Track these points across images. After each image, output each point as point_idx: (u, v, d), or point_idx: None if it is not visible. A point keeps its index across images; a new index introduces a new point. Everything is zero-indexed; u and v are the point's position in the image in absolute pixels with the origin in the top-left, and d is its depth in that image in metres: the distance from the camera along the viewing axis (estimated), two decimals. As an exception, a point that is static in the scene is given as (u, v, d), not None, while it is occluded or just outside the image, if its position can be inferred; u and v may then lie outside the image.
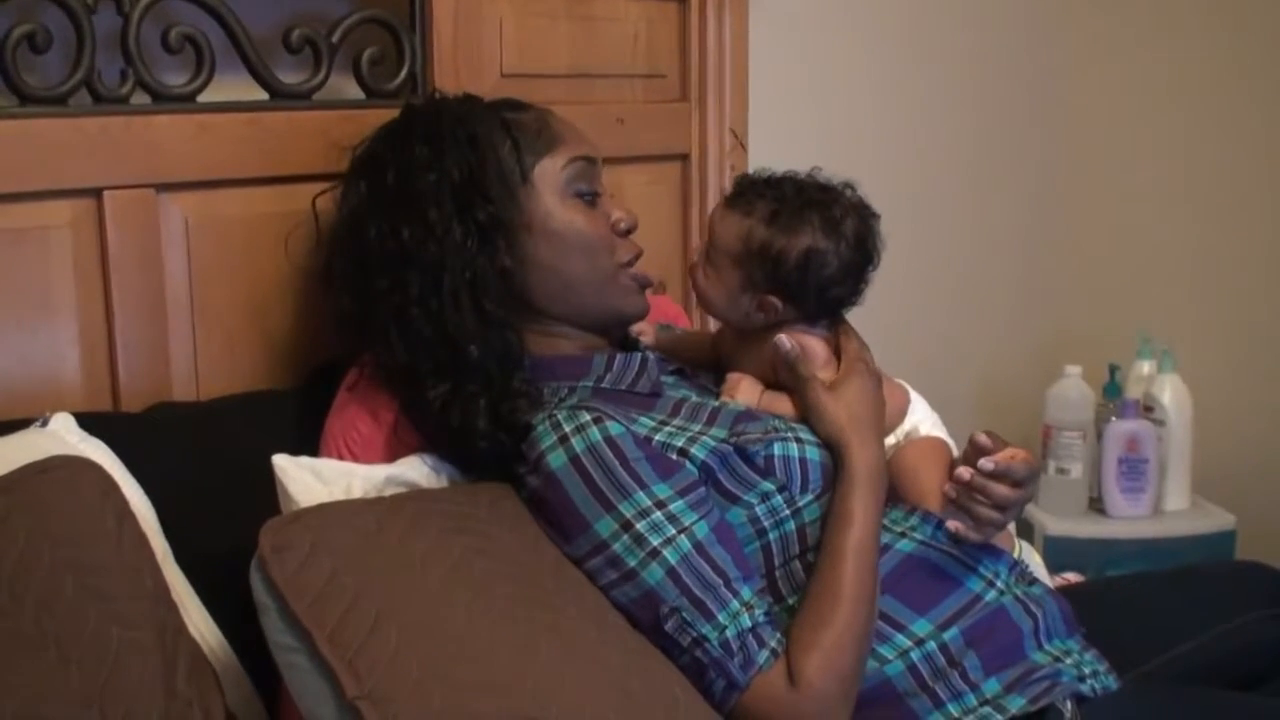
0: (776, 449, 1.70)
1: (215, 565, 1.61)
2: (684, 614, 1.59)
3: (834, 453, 1.73)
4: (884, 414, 1.80)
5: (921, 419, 2.03)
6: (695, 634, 1.59)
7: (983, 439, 1.71)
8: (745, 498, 1.69)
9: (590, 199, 1.85)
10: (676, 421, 1.72)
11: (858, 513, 1.67)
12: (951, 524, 1.71)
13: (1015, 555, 1.85)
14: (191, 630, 1.55)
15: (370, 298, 1.78)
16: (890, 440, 1.93)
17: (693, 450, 1.67)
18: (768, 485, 1.69)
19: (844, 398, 1.75)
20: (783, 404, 1.79)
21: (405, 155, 1.79)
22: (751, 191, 1.82)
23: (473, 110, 1.85)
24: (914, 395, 1.99)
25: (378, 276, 1.76)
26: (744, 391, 1.81)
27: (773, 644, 1.60)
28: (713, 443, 1.68)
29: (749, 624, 1.60)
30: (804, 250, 1.76)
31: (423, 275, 1.74)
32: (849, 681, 1.60)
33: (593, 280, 1.83)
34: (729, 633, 1.59)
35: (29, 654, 1.35)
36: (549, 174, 1.81)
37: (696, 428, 1.71)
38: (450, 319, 1.73)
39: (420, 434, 1.79)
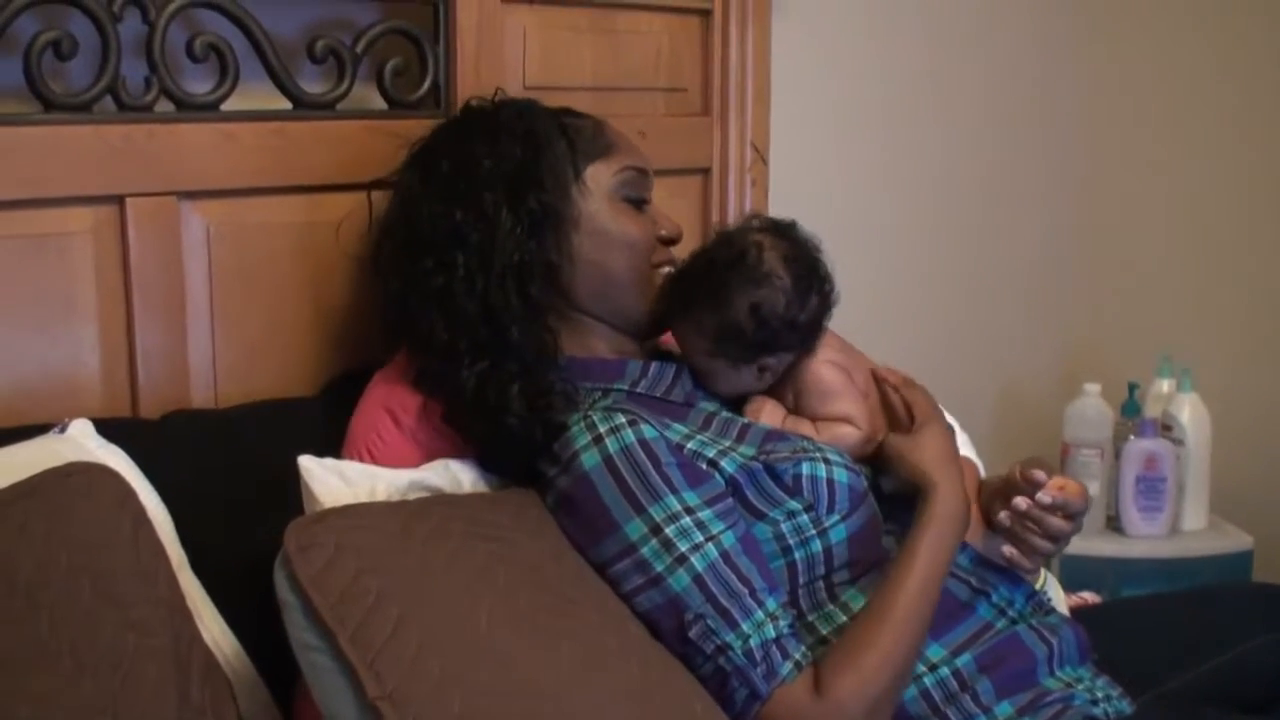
0: (805, 468, 1.70)
1: (231, 573, 1.62)
2: (708, 621, 1.59)
3: (919, 492, 1.73)
4: (959, 458, 1.80)
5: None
6: (719, 641, 1.58)
7: (1039, 474, 1.72)
8: (771, 514, 1.69)
9: (639, 205, 1.89)
10: (707, 434, 1.73)
11: (924, 552, 1.66)
12: (1006, 549, 1.72)
13: (1039, 585, 1.85)
14: (206, 638, 1.55)
15: (417, 277, 1.79)
16: None
17: (722, 463, 1.68)
18: (794, 504, 1.69)
19: (925, 441, 1.77)
20: (805, 428, 1.80)
21: (463, 146, 1.82)
22: (675, 295, 1.84)
23: (532, 109, 1.89)
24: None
25: (427, 256, 1.77)
26: (768, 415, 1.82)
27: (797, 656, 1.60)
28: (741, 459, 1.69)
29: (773, 634, 1.60)
30: (747, 311, 1.78)
31: (471, 255, 1.76)
32: (876, 713, 1.59)
33: (633, 280, 1.85)
34: (753, 642, 1.58)
35: (44, 660, 1.36)
36: (601, 176, 1.85)
37: (726, 443, 1.72)
38: (495, 299, 1.75)
39: (450, 423, 1.79)
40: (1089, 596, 2.07)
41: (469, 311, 1.75)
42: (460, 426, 1.79)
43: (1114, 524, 3.12)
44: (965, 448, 2.01)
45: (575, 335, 1.84)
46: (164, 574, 1.50)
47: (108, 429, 1.71)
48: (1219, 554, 3.09)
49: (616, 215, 1.85)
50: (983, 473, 1.97)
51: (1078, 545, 3.01)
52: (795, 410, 1.84)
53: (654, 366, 1.84)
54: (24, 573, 1.40)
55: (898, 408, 1.82)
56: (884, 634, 1.61)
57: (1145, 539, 3.09)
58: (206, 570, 1.66)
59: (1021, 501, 1.71)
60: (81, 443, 1.66)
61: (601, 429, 1.67)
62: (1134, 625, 2.03)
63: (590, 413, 1.70)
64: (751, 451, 1.71)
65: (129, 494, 1.53)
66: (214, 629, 1.61)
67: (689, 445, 1.70)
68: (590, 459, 1.66)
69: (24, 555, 1.42)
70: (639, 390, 1.81)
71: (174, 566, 1.55)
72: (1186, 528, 3.14)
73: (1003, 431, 3.20)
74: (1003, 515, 1.72)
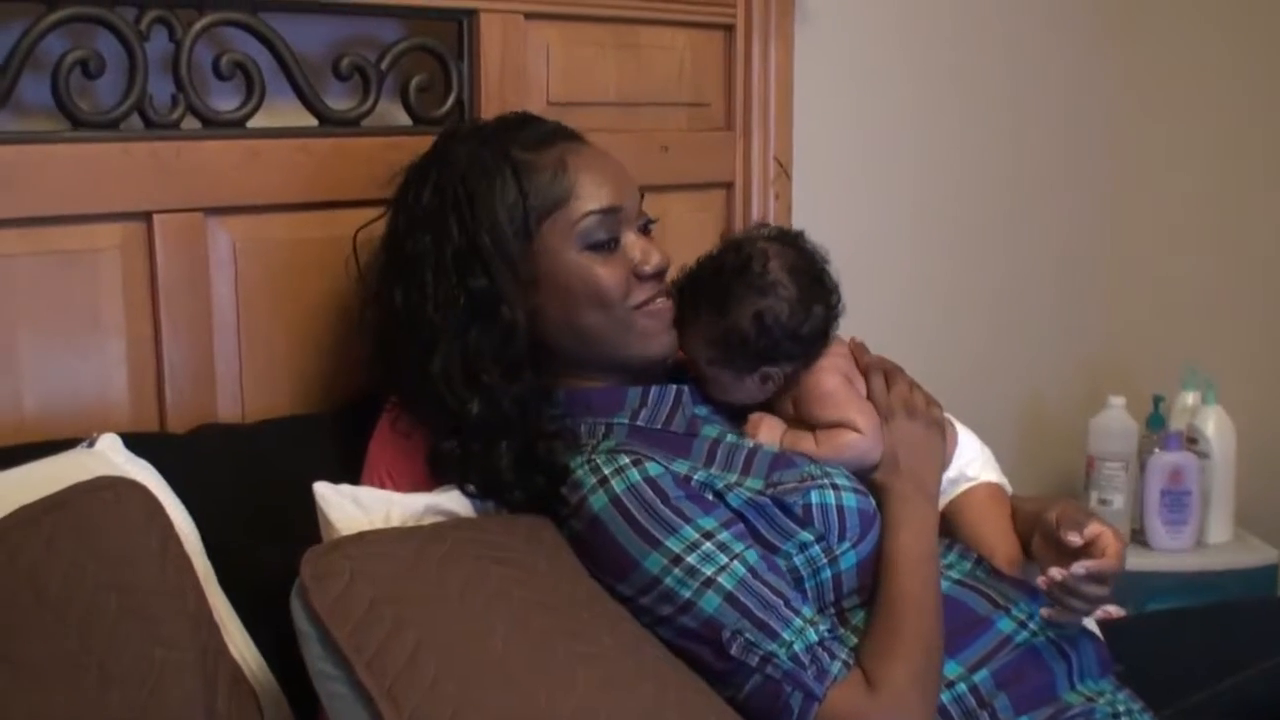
0: (814, 497, 1.69)
1: (258, 588, 1.62)
2: (748, 635, 1.59)
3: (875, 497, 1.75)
4: (934, 457, 1.81)
5: (971, 459, 1.96)
6: (762, 652, 1.58)
7: (1074, 539, 1.69)
8: (784, 548, 1.68)
9: (609, 245, 1.78)
10: (713, 469, 1.71)
11: (903, 558, 1.70)
12: (1044, 611, 1.72)
13: None
14: (233, 652, 1.56)
15: (382, 346, 1.81)
16: (954, 473, 1.92)
17: (728, 497, 1.67)
18: (806, 536, 1.69)
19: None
20: (806, 442, 1.78)
21: (417, 203, 1.77)
22: (681, 300, 1.83)
23: (482, 158, 1.78)
24: (964, 433, 1.97)
25: (384, 330, 1.78)
26: (765, 432, 1.80)
27: (843, 656, 1.61)
28: (749, 493, 1.68)
29: (816, 638, 1.60)
30: (751, 319, 1.78)
31: (418, 341, 1.73)
32: (929, 690, 1.61)
33: (608, 331, 1.78)
34: (797, 647, 1.59)
35: (71, 674, 1.37)
36: (560, 226, 1.76)
37: (732, 477, 1.70)
38: (441, 387, 1.72)
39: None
40: (1113, 610, 2.06)
41: (429, 391, 1.73)
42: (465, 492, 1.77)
43: (1138, 537, 3.11)
44: (988, 467, 1.98)
45: (576, 372, 1.81)
46: (191, 588, 1.50)
47: (136, 444, 1.72)
48: (1244, 567, 3.08)
49: (580, 267, 1.75)
50: (1009, 488, 1.96)
51: (1102, 558, 3.03)
52: (795, 416, 1.83)
53: (653, 393, 1.80)
54: (52, 586, 1.41)
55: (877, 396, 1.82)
56: (907, 621, 1.63)
57: (1170, 552, 3.08)
58: (233, 584, 1.66)
59: (1057, 573, 1.67)
60: (110, 457, 1.66)
61: (606, 471, 1.66)
62: (1158, 640, 2.03)
63: (594, 455, 1.69)
64: (759, 485, 1.69)
65: (157, 508, 1.54)
66: (240, 643, 1.61)
67: (696, 476, 1.69)
68: (598, 501, 1.65)
69: (52, 569, 1.42)
70: (640, 423, 1.78)
71: (201, 581, 1.55)
72: (1211, 541, 3.13)
73: (1028, 445, 3.19)
74: (1040, 580, 1.70)
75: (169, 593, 1.47)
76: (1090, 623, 1.86)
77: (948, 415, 1.91)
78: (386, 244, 1.81)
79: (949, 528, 1.88)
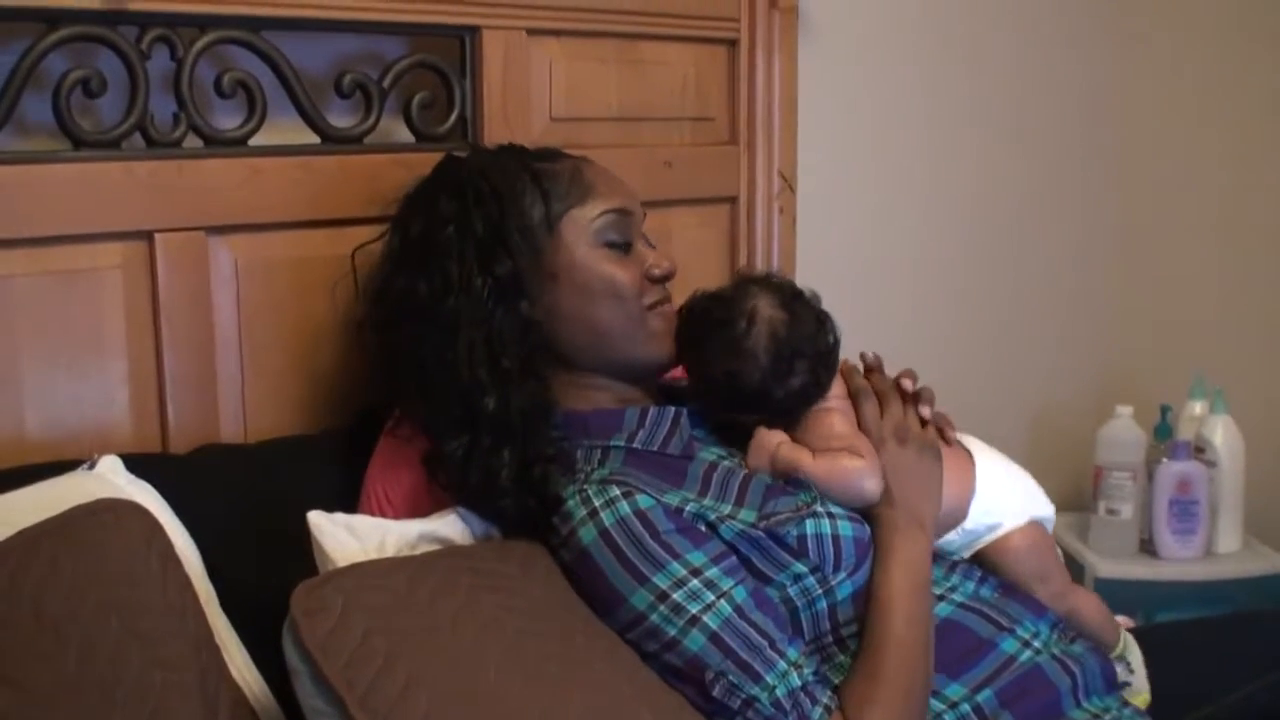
0: (809, 527, 1.68)
1: (259, 609, 1.61)
2: (731, 677, 1.58)
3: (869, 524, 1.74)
4: (929, 484, 1.79)
5: (995, 500, 1.86)
6: (745, 695, 1.58)
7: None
8: (778, 579, 1.68)
9: (623, 248, 1.82)
10: (706, 501, 1.69)
11: (897, 584, 1.68)
12: None
13: (1119, 651, 1.85)
14: (234, 674, 1.56)
15: (394, 350, 1.79)
16: (980, 526, 1.85)
17: (720, 529, 1.66)
18: (800, 567, 1.67)
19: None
20: (804, 456, 1.74)
21: (431, 208, 1.79)
22: (678, 329, 1.83)
23: (502, 161, 1.85)
24: (992, 463, 1.88)
25: (401, 329, 1.77)
26: (753, 458, 1.76)
27: (825, 700, 1.60)
28: (741, 526, 1.67)
29: (799, 682, 1.59)
30: (722, 375, 1.77)
31: (439, 328, 1.73)
32: None
33: (621, 328, 1.80)
34: (779, 692, 1.58)
35: (72, 695, 1.36)
36: (578, 224, 1.80)
37: (726, 509, 1.68)
38: (465, 373, 1.72)
39: (446, 490, 1.78)
40: (1123, 621, 2.06)
41: (441, 386, 1.73)
42: (454, 494, 1.77)
43: (1147, 547, 3.10)
44: (1017, 508, 1.87)
45: (574, 389, 1.82)
46: (192, 610, 1.50)
47: (137, 465, 1.72)
48: (1253, 576, 3.07)
49: (598, 263, 1.79)
50: (1050, 518, 1.92)
51: (1111, 569, 3.02)
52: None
53: (652, 413, 1.79)
54: (52, 608, 1.41)
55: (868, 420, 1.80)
56: (888, 664, 1.62)
57: (1179, 562, 3.07)
58: (235, 606, 1.66)
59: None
60: (111, 479, 1.67)
61: (596, 503, 1.65)
62: (1167, 651, 2.01)
63: (586, 485, 1.68)
64: (752, 517, 1.67)
65: (157, 530, 1.54)
66: (241, 665, 1.61)
67: (689, 508, 1.67)
68: (587, 534, 1.65)
69: (53, 591, 1.42)
70: (636, 445, 1.77)
71: (202, 602, 1.55)
72: (1220, 550, 3.12)
73: (1036, 456, 3.16)
74: None
75: (170, 615, 1.47)
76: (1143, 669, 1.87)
77: (971, 443, 1.89)
78: (401, 241, 1.81)
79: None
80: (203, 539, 1.68)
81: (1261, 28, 3.25)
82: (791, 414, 1.78)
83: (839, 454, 1.74)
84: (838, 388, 1.81)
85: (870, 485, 1.73)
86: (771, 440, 1.76)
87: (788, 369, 1.75)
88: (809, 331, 1.77)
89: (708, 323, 1.78)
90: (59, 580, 1.43)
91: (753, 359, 1.74)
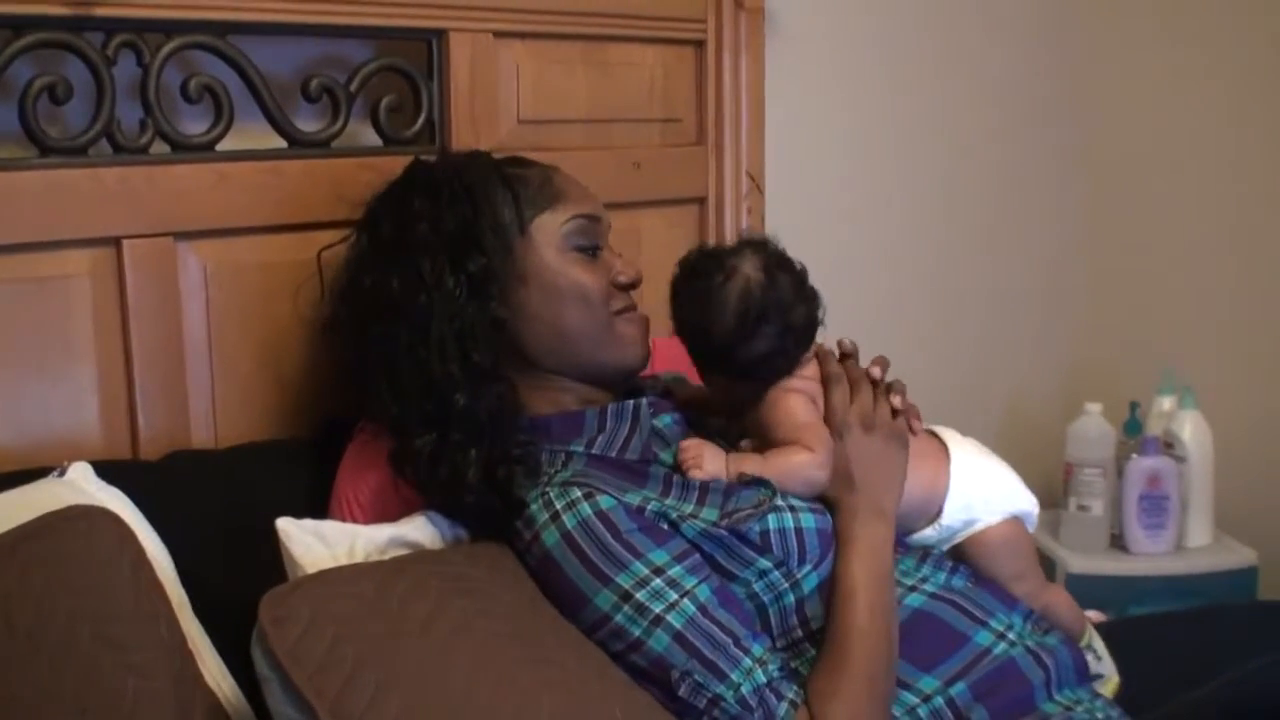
0: (771, 522, 1.68)
1: (232, 615, 1.60)
2: (696, 676, 1.58)
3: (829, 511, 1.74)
4: (892, 473, 1.79)
5: (973, 497, 1.86)
6: (710, 694, 1.58)
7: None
8: (743, 575, 1.68)
9: (591, 253, 1.84)
10: (669, 500, 1.69)
11: (858, 572, 1.69)
12: None
13: (1085, 642, 1.85)
14: (208, 680, 1.55)
15: (363, 348, 1.79)
16: (956, 522, 1.86)
17: (682, 527, 1.66)
18: (765, 563, 1.68)
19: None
20: (750, 464, 1.73)
21: (403, 208, 1.80)
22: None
23: (474, 164, 1.86)
24: (970, 456, 1.88)
25: (371, 326, 1.77)
26: (710, 462, 1.74)
27: (790, 695, 1.60)
28: (704, 525, 1.67)
29: (764, 679, 1.59)
30: (690, 329, 1.78)
31: (411, 325, 1.73)
32: None
33: (589, 332, 1.82)
34: (744, 689, 1.58)
35: (46, 704, 1.36)
36: (548, 228, 1.81)
37: (687, 508, 1.68)
38: (436, 368, 1.72)
39: (412, 488, 1.77)
40: (1095, 615, 2.06)
41: (412, 382, 1.74)
42: (420, 492, 1.77)
43: (1118, 542, 3.12)
44: (995, 504, 1.87)
45: (539, 392, 1.82)
46: (164, 616, 1.50)
47: (107, 471, 1.71)
48: (1224, 570, 3.08)
49: (566, 266, 1.81)
50: (1033, 515, 1.93)
51: (1083, 564, 3.03)
52: (753, 431, 1.79)
53: (610, 413, 1.79)
54: (24, 617, 1.41)
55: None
56: (851, 655, 1.62)
57: (1150, 557, 3.08)
58: (207, 612, 1.65)
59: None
60: (81, 486, 1.66)
61: (558, 505, 1.66)
62: (1138, 645, 2.02)
63: (548, 489, 1.69)
64: (714, 516, 1.67)
65: (128, 537, 1.53)
66: (214, 671, 1.60)
67: (649, 508, 1.67)
68: (550, 537, 1.65)
69: (24, 599, 1.42)
70: (595, 451, 1.77)
71: (174, 608, 1.55)
72: (1191, 545, 3.13)
73: (1005, 452, 3.14)
74: None
75: (142, 621, 1.46)
76: (1109, 661, 1.87)
77: (951, 438, 1.89)
78: (371, 240, 1.82)
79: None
80: (174, 545, 1.67)
81: (1233, 27, 3.27)
82: (755, 379, 1.78)
83: (789, 450, 1.74)
84: (810, 369, 1.81)
85: (818, 476, 1.73)
86: (717, 462, 1.74)
87: (752, 331, 1.74)
88: (783, 300, 1.76)
89: (692, 272, 1.79)
90: (30, 588, 1.43)
91: (719, 313, 1.74)
